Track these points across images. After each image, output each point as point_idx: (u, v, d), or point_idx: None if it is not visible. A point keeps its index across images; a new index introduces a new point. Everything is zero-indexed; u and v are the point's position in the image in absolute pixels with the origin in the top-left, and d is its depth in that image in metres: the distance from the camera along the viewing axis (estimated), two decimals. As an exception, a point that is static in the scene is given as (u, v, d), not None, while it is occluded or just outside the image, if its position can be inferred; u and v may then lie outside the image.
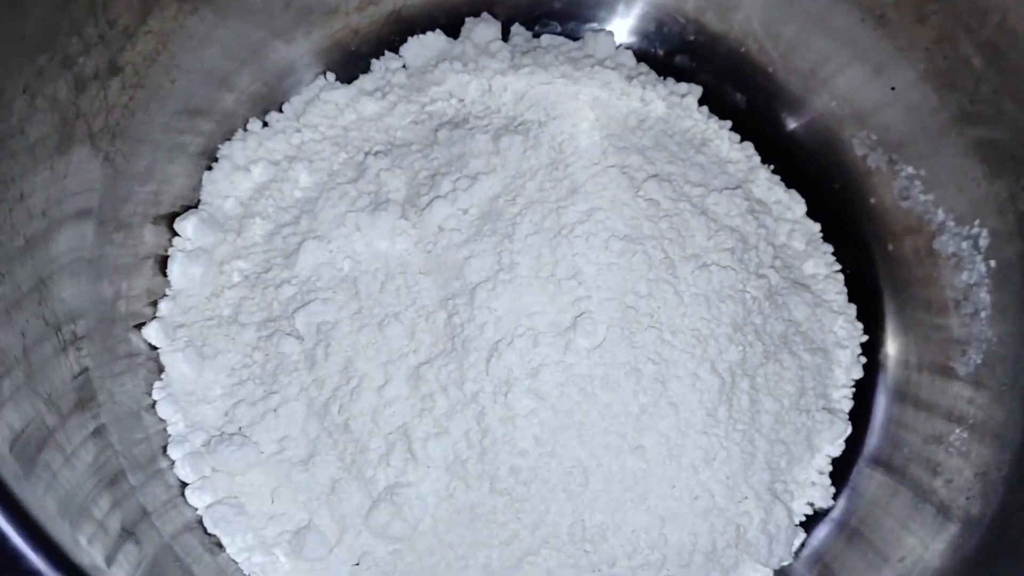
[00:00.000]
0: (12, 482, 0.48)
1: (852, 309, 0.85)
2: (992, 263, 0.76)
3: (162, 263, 0.75)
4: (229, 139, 0.82)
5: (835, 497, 0.80)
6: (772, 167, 0.89)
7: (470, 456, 0.68)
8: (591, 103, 0.82)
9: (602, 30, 0.92)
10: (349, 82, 0.88)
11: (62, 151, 0.63)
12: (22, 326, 0.57)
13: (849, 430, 0.80)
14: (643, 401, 0.69)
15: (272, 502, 0.69)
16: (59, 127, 0.62)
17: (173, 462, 0.69)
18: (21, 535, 0.45)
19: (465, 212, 0.76)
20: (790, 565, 0.77)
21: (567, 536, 0.68)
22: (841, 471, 0.81)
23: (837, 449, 0.80)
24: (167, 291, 0.75)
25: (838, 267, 0.86)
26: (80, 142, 0.65)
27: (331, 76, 0.88)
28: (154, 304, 0.74)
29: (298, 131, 0.83)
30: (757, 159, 0.88)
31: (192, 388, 0.72)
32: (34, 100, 0.59)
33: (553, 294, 0.71)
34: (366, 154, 0.82)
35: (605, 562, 0.69)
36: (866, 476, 0.81)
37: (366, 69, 0.89)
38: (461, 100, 0.86)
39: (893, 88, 0.82)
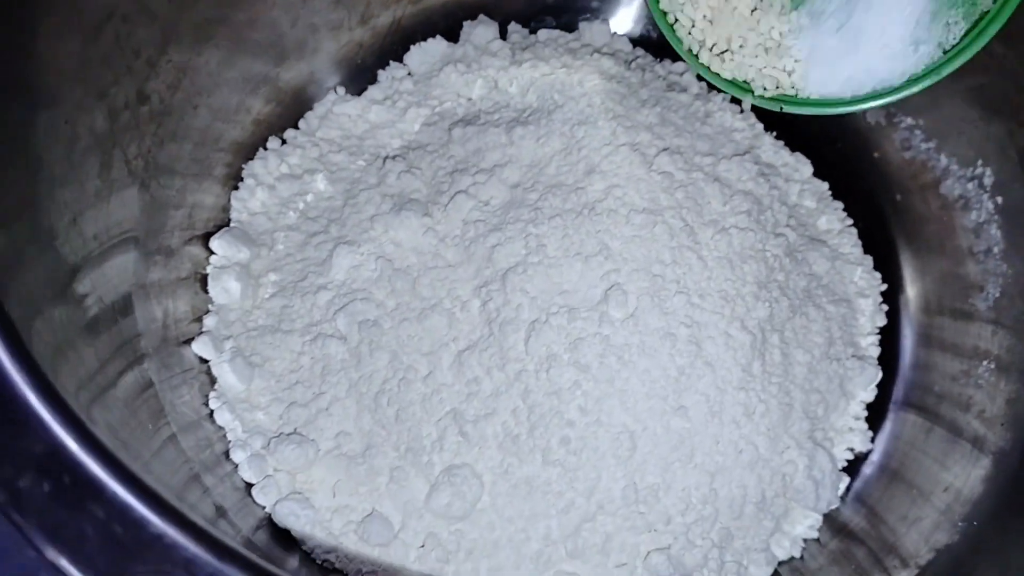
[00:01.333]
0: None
1: (869, 260, 0.87)
2: (999, 199, 0.78)
3: (202, 281, 0.78)
4: (251, 159, 0.85)
5: (873, 440, 0.82)
6: (775, 133, 0.91)
7: (520, 432, 0.70)
8: (594, 88, 0.85)
9: (596, 19, 0.95)
10: (359, 94, 0.91)
11: (103, 179, 0.66)
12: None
13: (880, 375, 0.82)
14: (680, 363, 0.72)
15: (335, 495, 0.71)
16: (99, 156, 0.65)
17: (237, 465, 0.71)
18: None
19: (487, 203, 0.79)
20: (837, 508, 0.79)
21: (621, 500, 0.70)
22: (877, 415, 0.83)
23: (870, 394, 0.82)
24: (210, 307, 0.78)
25: (850, 221, 0.89)
26: (118, 170, 0.68)
27: (341, 90, 0.91)
28: (199, 320, 0.77)
29: (316, 145, 0.86)
30: (760, 126, 0.91)
31: (244, 396, 0.74)
32: (76, 131, 0.62)
33: (582, 271, 0.74)
34: (384, 159, 0.85)
35: (660, 521, 0.71)
36: (900, 418, 0.83)
37: (374, 80, 0.92)
38: (469, 99, 0.88)
39: (885, 43, 0.84)
